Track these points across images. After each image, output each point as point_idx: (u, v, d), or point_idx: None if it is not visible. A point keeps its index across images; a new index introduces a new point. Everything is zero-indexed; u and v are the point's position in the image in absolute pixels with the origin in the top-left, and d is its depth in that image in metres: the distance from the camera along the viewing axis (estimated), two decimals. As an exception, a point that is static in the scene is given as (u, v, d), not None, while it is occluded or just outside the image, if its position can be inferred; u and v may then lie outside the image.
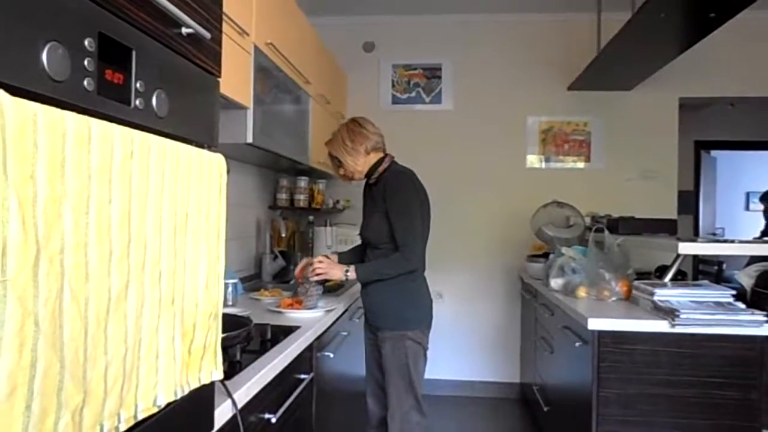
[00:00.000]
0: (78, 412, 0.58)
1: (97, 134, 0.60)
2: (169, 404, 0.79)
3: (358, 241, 2.38)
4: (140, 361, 0.69)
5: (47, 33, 0.60)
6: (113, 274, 0.63)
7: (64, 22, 0.62)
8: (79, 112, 0.60)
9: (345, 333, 2.40)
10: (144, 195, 0.68)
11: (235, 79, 1.82)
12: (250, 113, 1.96)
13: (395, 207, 2.04)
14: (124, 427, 0.68)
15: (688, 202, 5.25)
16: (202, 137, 0.95)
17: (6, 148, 0.48)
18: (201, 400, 0.97)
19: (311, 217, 3.50)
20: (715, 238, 3.16)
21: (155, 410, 0.75)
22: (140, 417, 0.71)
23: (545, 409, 2.82)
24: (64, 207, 0.55)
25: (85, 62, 0.65)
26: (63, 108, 0.58)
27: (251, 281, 2.84)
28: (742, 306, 2.01)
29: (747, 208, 6.39)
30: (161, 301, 0.73)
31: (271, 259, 2.95)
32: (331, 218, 3.62)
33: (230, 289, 2.19)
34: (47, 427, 0.53)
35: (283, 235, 2.93)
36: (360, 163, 2.13)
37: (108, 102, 0.70)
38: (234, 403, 1.16)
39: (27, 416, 0.51)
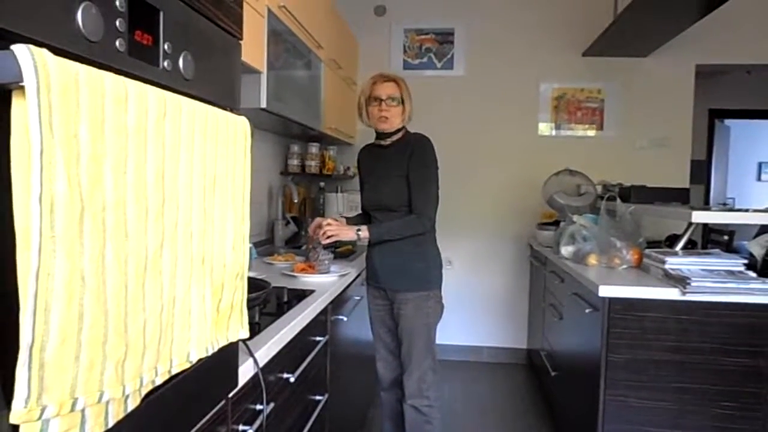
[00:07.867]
0: (121, 365, 0.60)
1: (133, 95, 0.60)
2: (199, 361, 0.82)
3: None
4: (175, 318, 0.72)
5: (81, -8, 0.60)
6: (150, 233, 0.64)
7: (97, -19, 0.62)
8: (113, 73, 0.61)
9: (358, 297, 2.44)
10: (176, 156, 0.69)
11: (249, 43, 1.81)
12: (263, 78, 1.95)
13: (421, 173, 2.06)
14: (160, 380, 0.71)
15: (700, 171, 5.20)
16: (225, 100, 0.96)
17: (52, 107, 0.49)
18: (227, 358, 1.00)
19: (322, 183, 3.51)
20: (728, 207, 3.15)
21: (188, 365, 0.78)
22: (175, 371, 0.74)
23: (552, 373, 2.87)
24: (104, 166, 0.56)
25: (117, 23, 0.66)
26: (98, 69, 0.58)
27: (264, 246, 2.88)
28: (753, 275, 2.03)
29: (759, 178, 6.32)
30: (193, 260, 0.75)
31: (284, 224, 2.97)
32: (341, 184, 3.63)
33: (245, 253, 2.21)
34: (94, 377, 0.56)
35: (295, 200, 2.94)
36: (406, 115, 2.18)
37: (138, 63, 0.71)
38: (256, 362, 1.19)
39: (76, 366, 0.53)
